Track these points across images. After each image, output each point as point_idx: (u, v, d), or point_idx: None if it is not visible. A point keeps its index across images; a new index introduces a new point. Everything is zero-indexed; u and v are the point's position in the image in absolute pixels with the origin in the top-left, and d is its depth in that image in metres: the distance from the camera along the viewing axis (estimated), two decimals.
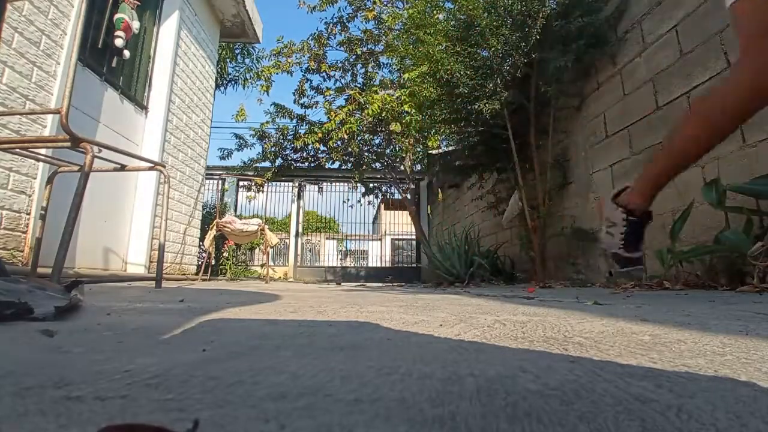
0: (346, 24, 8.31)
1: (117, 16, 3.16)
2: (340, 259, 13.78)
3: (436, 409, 0.31)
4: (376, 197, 9.98)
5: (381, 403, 0.32)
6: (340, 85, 8.45)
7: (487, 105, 3.18)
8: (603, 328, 0.75)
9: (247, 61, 9.71)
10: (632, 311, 1.05)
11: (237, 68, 9.77)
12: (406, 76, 4.95)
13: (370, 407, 0.31)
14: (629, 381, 0.39)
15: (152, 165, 2.37)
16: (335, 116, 7.45)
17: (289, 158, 9.03)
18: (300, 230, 9.91)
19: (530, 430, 0.27)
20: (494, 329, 0.74)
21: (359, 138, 7.68)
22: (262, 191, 9.51)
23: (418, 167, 8.71)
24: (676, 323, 0.80)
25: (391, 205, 11.13)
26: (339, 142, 7.76)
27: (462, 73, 3.21)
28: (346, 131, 7.27)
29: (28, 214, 2.39)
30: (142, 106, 3.76)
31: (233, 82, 9.83)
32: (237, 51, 9.48)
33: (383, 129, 7.52)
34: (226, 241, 6.59)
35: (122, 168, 2.27)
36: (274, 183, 9.70)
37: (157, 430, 0.26)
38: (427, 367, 0.44)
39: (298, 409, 0.31)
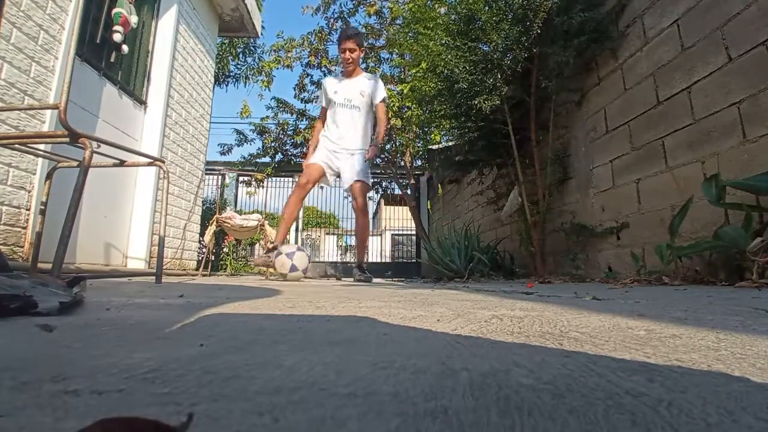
0: (347, 19, 8.26)
1: (115, 10, 3.15)
2: (341, 255, 13.80)
3: (429, 403, 0.31)
4: (377, 192, 9.99)
5: (375, 397, 0.32)
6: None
7: (486, 101, 3.17)
8: (599, 323, 0.75)
9: (249, 59, 9.71)
10: (630, 306, 1.05)
11: (239, 66, 9.78)
12: (413, 71, 4.93)
13: (363, 401, 0.31)
14: (622, 375, 0.39)
15: (151, 160, 2.37)
16: None
17: (290, 154, 9.02)
18: (300, 226, 9.92)
19: (521, 424, 0.27)
20: (491, 324, 0.75)
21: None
22: (262, 187, 9.50)
23: (418, 162, 8.70)
24: (673, 318, 0.80)
25: (391, 200, 11.12)
26: None
27: (462, 68, 3.20)
28: None
29: (28, 209, 2.40)
30: (141, 101, 3.75)
31: (235, 80, 9.83)
32: (240, 50, 9.48)
33: None
34: (226, 237, 6.60)
35: (121, 163, 2.27)
36: (274, 178, 9.70)
37: (151, 423, 0.26)
38: (422, 362, 0.44)
39: (293, 402, 0.31)
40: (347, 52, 3.45)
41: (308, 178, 3.37)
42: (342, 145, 3.41)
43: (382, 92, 3.57)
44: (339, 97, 3.47)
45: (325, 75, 8.67)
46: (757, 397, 0.33)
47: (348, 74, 3.54)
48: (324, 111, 3.62)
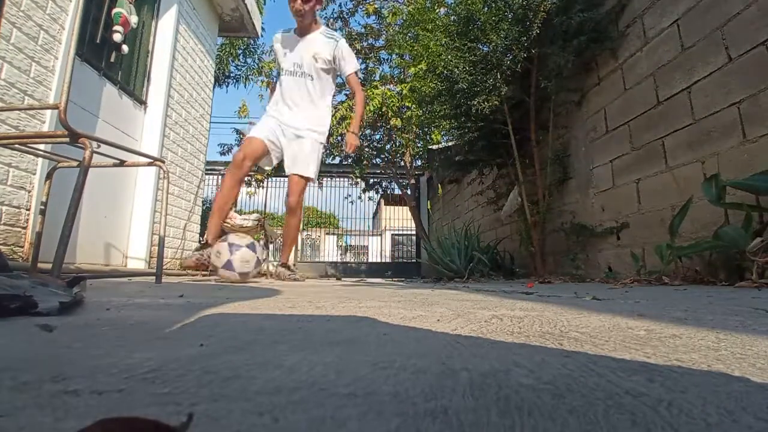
0: (347, 19, 8.26)
1: (115, 10, 3.15)
2: (341, 255, 13.82)
3: (429, 403, 0.31)
4: (377, 193, 10.00)
5: (375, 397, 0.32)
6: (341, 80, 8.43)
7: (486, 100, 3.17)
8: (599, 323, 0.75)
9: (249, 60, 9.71)
10: (630, 306, 1.05)
11: (239, 67, 9.78)
12: (412, 70, 4.93)
13: (363, 401, 0.31)
14: (622, 375, 0.39)
15: (151, 160, 2.37)
16: (335, 112, 7.44)
17: None
18: (300, 226, 9.92)
19: (521, 424, 0.27)
20: (491, 324, 0.75)
21: (360, 134, 7.67)
22: (262, 187, 9.51)
23: (418, 162, 8.70)
24: (673, 318, 0.80)
25: (391, 200, 11.13)
26: (339, 138, 7.75)
27: (461, 68, 3.20)
28: (345, 127, 7.26)
29: (28, 209, 2.40)
30: (141, 101, 3.75)
31: (235, 81, 9.83)
32: (240, 51, 9.49)
33: (384, 124, 7.50)
34: None
35: (121, 163, 2.27)
36: (274, 178, 9.70)
37: (151, 423, 0.26)
38: (422, 362, 0.44)
39: (293, 402, 0.31)
40: (298, 2, 2.56)
41: (245, 153, 2.59)
42: (288, 122, 2.69)
43: (351, 60, 2.75)
44: (287, 62, 2.70)
45: None
46: (757, 397, 0.33)
47: (302, 30, 2.69)
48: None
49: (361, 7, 7.93)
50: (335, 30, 8.30)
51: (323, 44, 2.70)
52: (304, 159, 2.69)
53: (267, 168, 2.99)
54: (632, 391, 0.34)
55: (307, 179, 2.72)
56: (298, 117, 2.70)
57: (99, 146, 2.10)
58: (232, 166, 2.66)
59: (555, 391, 0.34)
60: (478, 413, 0.29)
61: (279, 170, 9.23)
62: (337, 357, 0.47)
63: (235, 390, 0.34)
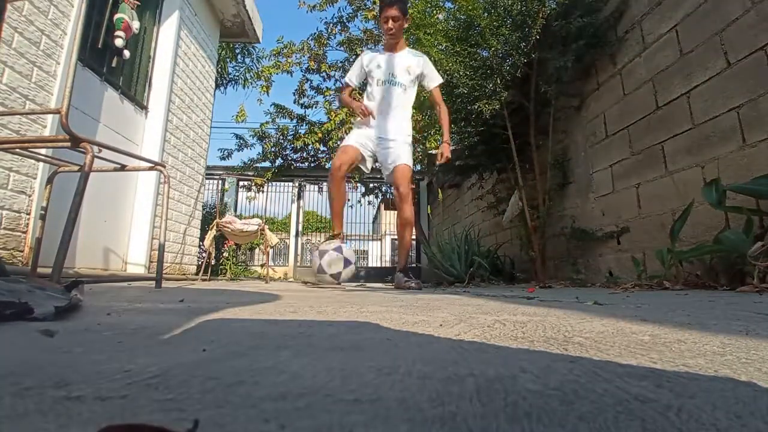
0: (346, 24, 8.32)
1: (117, 16, 3.16)
2: None
3: (437, 409, 0.31)
4: (376, 197, 10.00)
5: (381, 403, 0.32)
6: (341, 85, 8.47)
7: (486, 105, 3.18)
8: (603, 328, 0.75)
9: (247, 60, 9.72)
10: (632, 311, 1.05)
11: (237, 68, 9.79)
12: None
13: (369, 407, 0.31)
14: (629, 381, 0.39)
15: (152, 165, 2.37)
16: (335, 116, 7.47)
17: (289, 158, 9.04)
18: (300, 230, 9.91)
19: (530, 430, 0.27)
20: (494, 329, 0.74)
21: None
22: (262, 191, 9.51)
23: (418, 167, 8.71)
24: (676, 323, 0.80)
25: (391, 205, 11.12)
26: (339, 142, 7.76)
27: (461, 73, 3.21)
28: (346, 131, 7.28)
29: (28, 214, 2.39)
30: (142, 106, 3.76)
31: (233, 82, 9.84)
32: (237, 51, 9.49)
33: None
34: (226, 241, 6.59)
35: (122, 168, 2.26)
36: (274, 183, 9.70)
37: (157, 430, 0.26)
38: (426, 367, 0.44)
39: (298, 409, 0.31)
40: (390, 21, 2.85)
41: (341, 160, 2.84)
42: (379, 132, 2.92)
43: (437, 75, 3.05)
44: (381, 73, 2.94)
45: (324, 80, 8.68)
46: (765, 402, 0.33)
47: (390, 48, 2.99)
48: (348, 89, 3.12)
49: (360, 12, 7.98)
50: (334, 35, 8.36)
51: (413, 60, 2.99)
52: (405, 152, 2.90)
53: (365, 170, 3.10)
54: (641, 396, 0.34)
55: (411, 168, 2.93)
56: (388, 123, 2.92)
57: (100, 151, 2.09)
58: (331, 174, 2.89)
59: (563, 398, 0.33)
60: (487, 419, 0.29)
61: (279, 175, 9.23)
62: (341, 362, 0.46)
63: (240, 396, 0.34)
